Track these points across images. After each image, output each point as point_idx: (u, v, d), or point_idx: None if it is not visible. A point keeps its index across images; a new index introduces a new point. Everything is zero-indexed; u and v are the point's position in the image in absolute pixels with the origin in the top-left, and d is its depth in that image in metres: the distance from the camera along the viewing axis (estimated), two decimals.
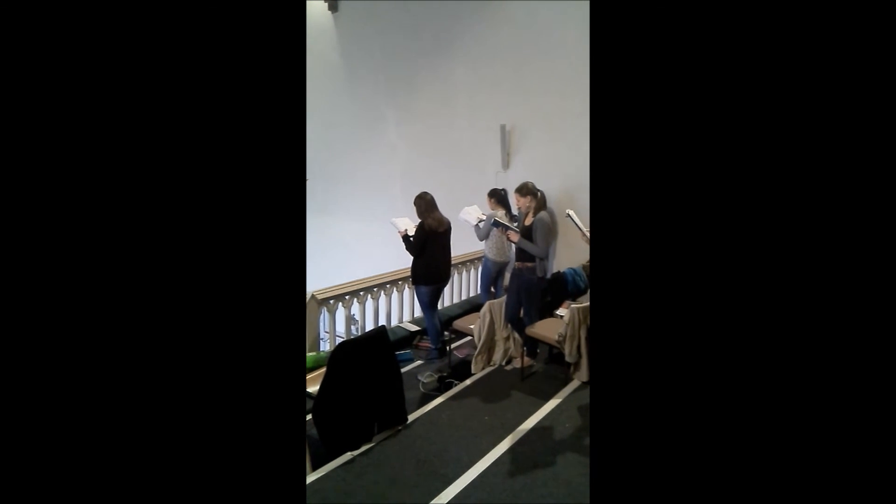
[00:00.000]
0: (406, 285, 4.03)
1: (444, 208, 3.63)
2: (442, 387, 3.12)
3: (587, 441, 2.40)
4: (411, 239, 3.49)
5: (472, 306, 4.32)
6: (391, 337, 3.77)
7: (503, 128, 4.60)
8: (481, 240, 4.12)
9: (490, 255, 4.15)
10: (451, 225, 3.62)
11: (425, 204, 3.47)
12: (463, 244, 4.43)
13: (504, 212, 4.02)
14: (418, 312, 4.07)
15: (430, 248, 3.46)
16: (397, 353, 3.64)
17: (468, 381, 3.17)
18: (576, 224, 2.73)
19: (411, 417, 2.66)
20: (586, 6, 3.78)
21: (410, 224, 3.58)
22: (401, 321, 4.11)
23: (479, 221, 3.91)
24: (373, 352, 2.51)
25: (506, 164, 4.76)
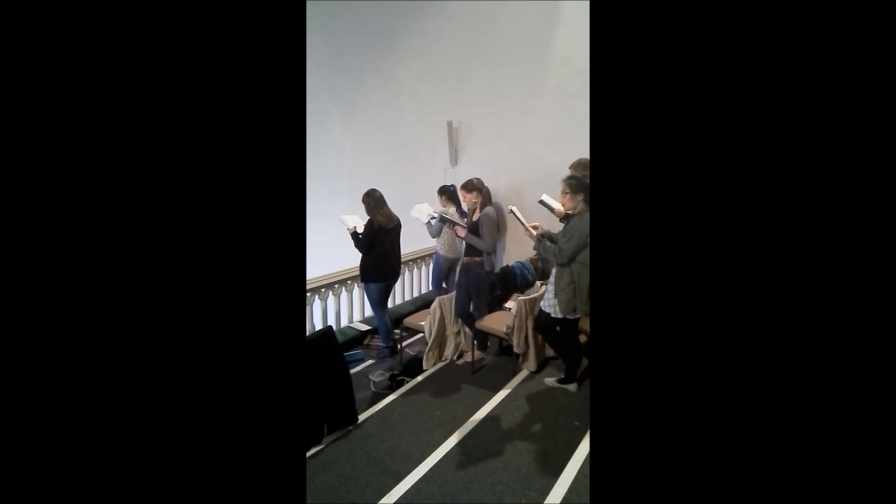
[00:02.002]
0: (355, 284, 3.98)
1: (394, 205, 3.60)
2: (394, 385, 3.10)
3: (534, 428, 2.46)
4: (360, 236, 3.45)
5: (423, 303, 4.32)
6: (342, 337, 3.72)
7: (450, 124, 4.63)
8: (433, 237, 4.14)
9: (441, 252, 4.17)
10: (401, 221, 3.60)
11: (374, 201, 3.43)
12: (414, 240, 4.43)
13: (455, 208, 4.05)
14: (369, 311, 4.03)
15: (379, 244, 3.43)
16: (348, 353, 3.59)
17: (420, 378, 3.17)
18: (519, 220, 2.78)
19: (362, 417, 2.63)
20: (527, 6, 3.87)
21: (359, 221, 3.54)
22: (351, 321, 4.05)
23: (431, 219, 3.92)
24: (320, 353, 2.46)
25: (454, 160, 4.79)
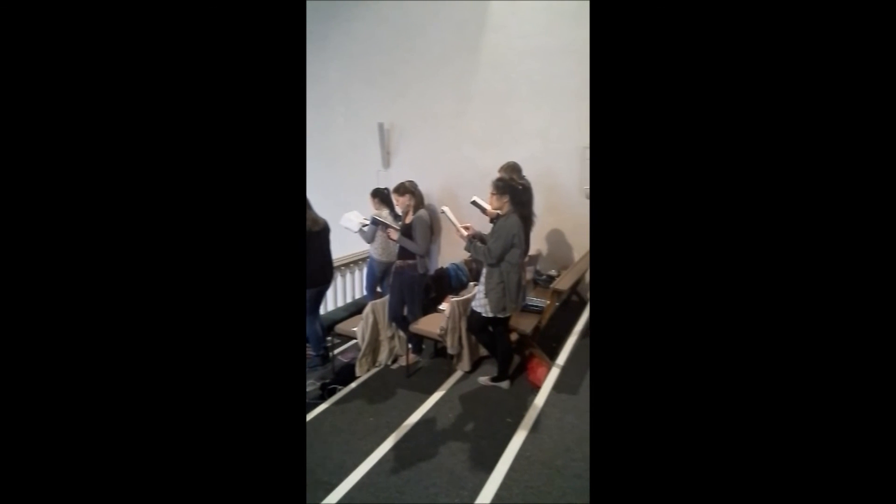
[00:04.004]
0: None
1: (325, 210, 3.49)
2: (325, 394, 2.99)
3: (468, 428, 2.48)
4: None
5: (357, 308, 4.20)
6: None
7: (381, 126, 4.58)
8: (368, 243, 4.06)
9: (375, 255, 4.10)
10: (329, 225, 3.50)
11: None
12: (347, 245, 4.32)
13: (388, 211, 4.00)
14: None
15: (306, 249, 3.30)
16: None
17: (353, 385, 3.09)
18: (451, 221, 2.80)
19: None
20: (456, 10, 3.91)
21: None
22: None
23: (363, 226, 3.83)
24: None
25: (386, 162, 4.75)
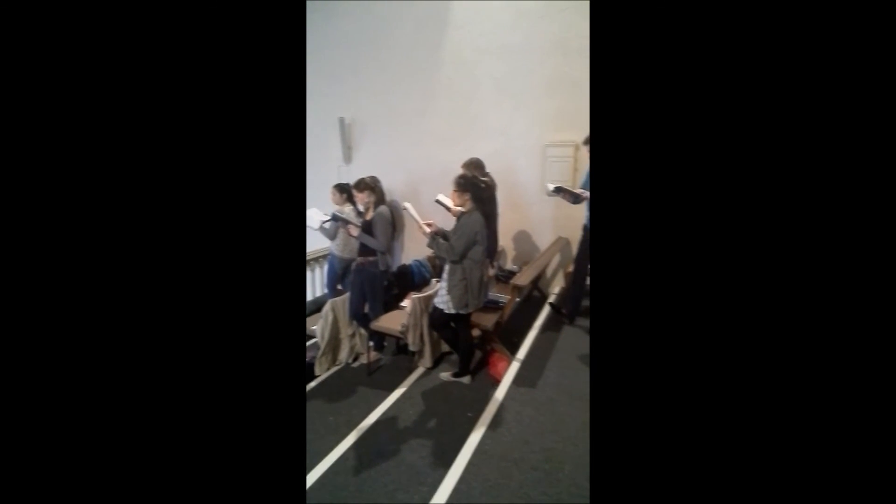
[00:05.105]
0: None
1: None
2: None
3: (429, 424, 2.48)
4: None
5: (318, 306, 4.12)
6: None
7: (342, 121, 4.51)
8: (330, 239, 3.98)
9: (336, 252, 4.03)
10: None
11: None
12: (307, 241, 4.23)
13: (351, 207, 3.93)
14: None
15: None
16: None
17: (312, 384, 3.03)
18: (413, 217, 2.79)
19: None
20: (417, 6, 3.88)
21: None
22: None
23: (325, 223, 3.75)
24: None
25: (348, 158, 4.67)
